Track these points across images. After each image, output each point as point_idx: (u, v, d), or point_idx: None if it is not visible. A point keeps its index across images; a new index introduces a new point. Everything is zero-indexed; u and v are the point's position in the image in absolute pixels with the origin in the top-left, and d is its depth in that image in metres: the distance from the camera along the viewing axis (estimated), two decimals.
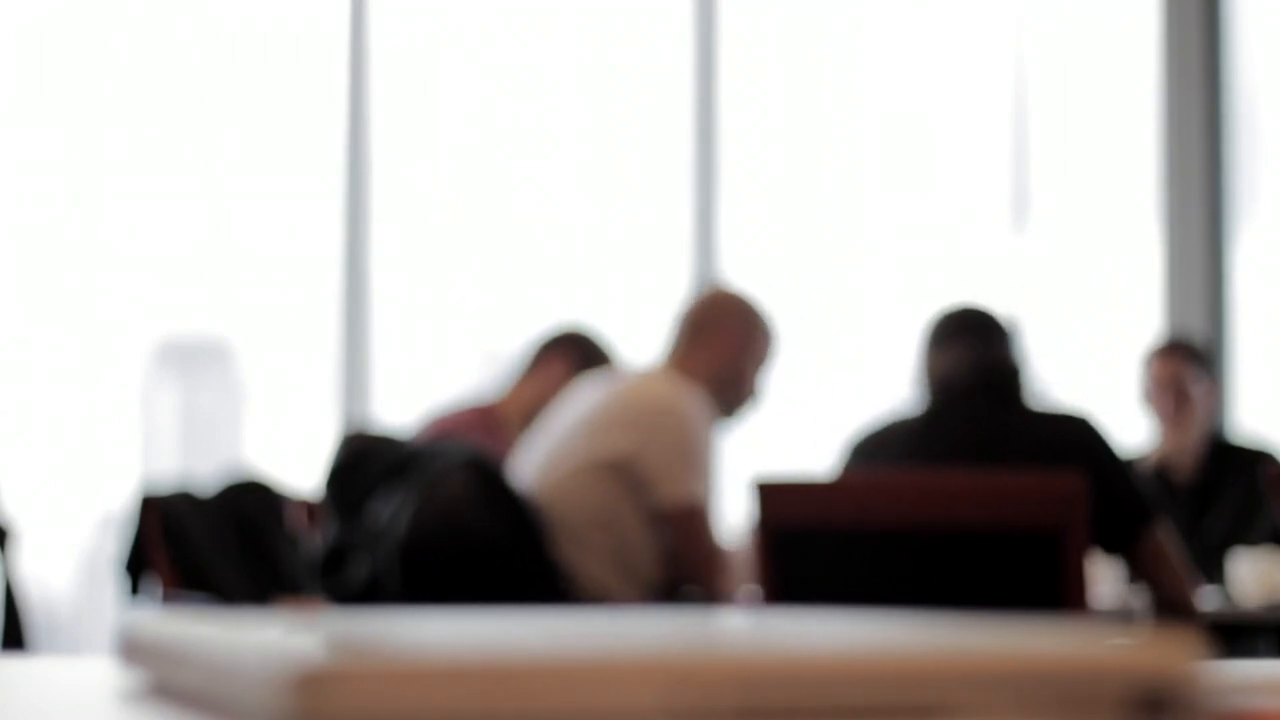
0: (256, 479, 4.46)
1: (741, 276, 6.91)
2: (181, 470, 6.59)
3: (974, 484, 3.35)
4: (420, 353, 6.95)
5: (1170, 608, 3.75)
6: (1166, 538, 3.72)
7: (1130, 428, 5.70)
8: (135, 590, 4.28)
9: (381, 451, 3.95)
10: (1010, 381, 3.73)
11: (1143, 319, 7.06)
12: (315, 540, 4.01)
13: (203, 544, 4.28)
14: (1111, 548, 3.66)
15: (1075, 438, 3.62)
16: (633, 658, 0.54)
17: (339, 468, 3.94)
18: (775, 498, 3.41)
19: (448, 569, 3.81)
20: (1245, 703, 0.68)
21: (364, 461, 3.92)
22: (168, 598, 4.23)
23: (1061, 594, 3.27)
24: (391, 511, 3.83)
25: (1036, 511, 3.28)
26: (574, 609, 3.91)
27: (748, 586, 3.94)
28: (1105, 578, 4.13)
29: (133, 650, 0.73)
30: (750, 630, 0.62)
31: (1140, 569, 3.70)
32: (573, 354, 4.67)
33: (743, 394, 4.19)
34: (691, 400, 4.02)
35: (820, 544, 3.39)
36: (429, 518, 3.79)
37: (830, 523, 3.37)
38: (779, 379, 4.33)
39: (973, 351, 3.74)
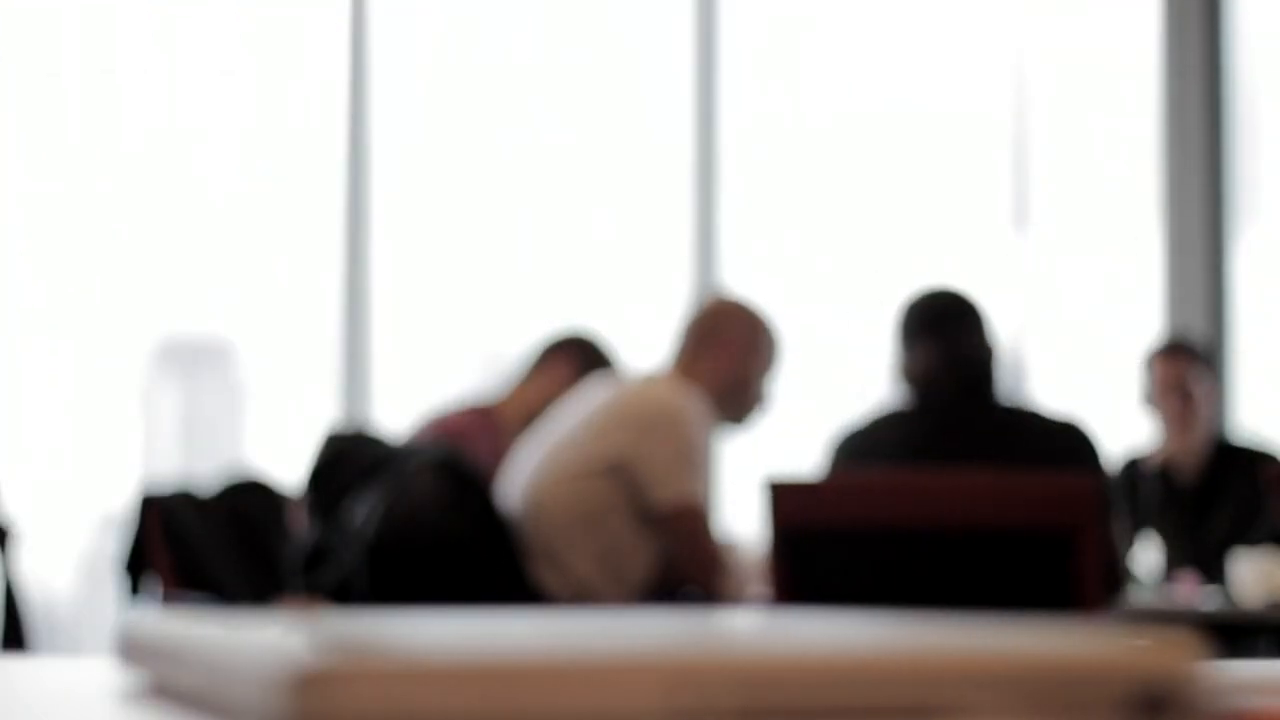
0: (256, 479, 4.46)
1: (742, 278, 6.91)
2: (181, 470, 6.59)
3: (986, 484, 3.35)
4: (420, 353, 6.95)
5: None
6: (1118, 539, 3.80)
7: (1131, 428, 5.70)
8: (135, 590, 4.28)
9: (360, 452, 3.96)
10: (984, 375, 3.74)
11: (1143, 319, 7.06)
12: (299, 540, 4.02)
13: (203, 544, 4.28)
14: None
15: (1067, 443, 3.62)
16: (633, 658, 0.54)
17: (319, 468, 3.95)
18: (787, 498, 3.40)
19: (414, 569, 3.81)
20: (1245, 703, 0.68)
21: (343, 461, 3.94)
22: (168, 598, 4.23)
23: (1073, 595, 3.27)
24: (365, 512, 3.84)
25: (1049, 512, 3.28)
26: (552, 609, 3.91)
27: (758, 587, 3.94)
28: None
29: (133, 650, 0.73)
30: (750, 630, 0.62)
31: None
32: (576, 358, 4.67)
33: (749, 401, 4.21)
34: (690, 402, 4.02)
35: (832, 544, 3.39)
36: (397, 518, 3.80)
37: (842, 523, 3.37)
38: (781, 382, 4.34)
39: (942, 347, 3.74)
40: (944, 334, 3.75)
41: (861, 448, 3.75)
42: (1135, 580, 4.90)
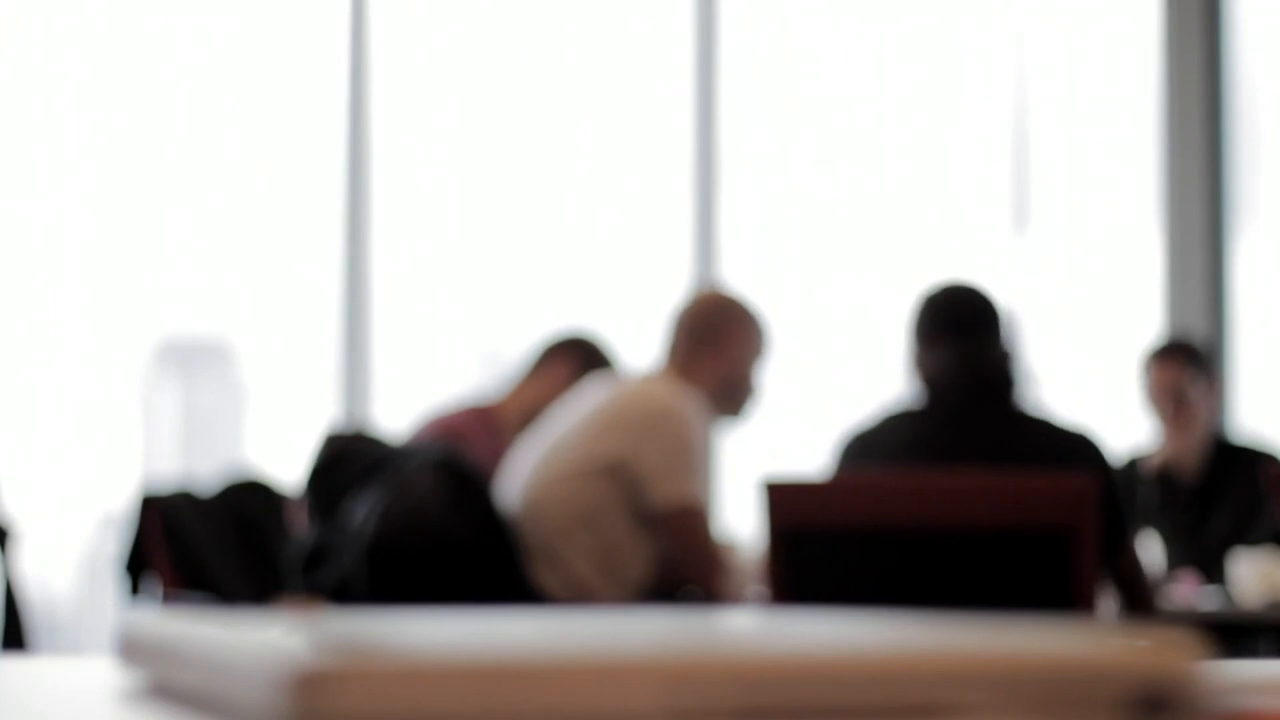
0: (256, 479, 4.46)
1: (741, 278, 6.91)
2: (181, 470, 6.59)
3: (985, 485, 3.34)
4: (420, 353, 6.95)
5: (1137, 611, 3.76)
6: (1137, 547, 3.76)
7: (1131, 428, 5.70)
8: (135, 590, 4.28)
9: (360, 452, 3.96)
10: (1003, 381, 3.71)
11: (1143, 319, 7.06)
12: (299, 540, 4.02)
13: (203, 544, 4.28)
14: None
15: (1078, 454, 3.61)
16: (633, 658, 0.54)
17: (319, 468, 3.95)
18: (785, 498, 3.40)
19: (414, 569, 3.81)
20: (1245, 703, 0.68)
21: (343, 461, 3.94)
22: (168, 598, 4.23)
23: (1071, 595, 3.27)
24: (364, 512, 3.84)
25: (1047, 513, 3.28)
26: (552, 609, 3.91)
27: (756, 587, 3.93)
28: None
29: (133, 650, 0.73)
30: (750, 630, 0.62)
31: (1114, 576, 3.70)
32: (576, 358, 4.67)
33: (745, 394, 4.21)
34: (688, 402, 4.02)
35: (830, 544, 3.39)
36: (396, 518, 3.80)
37: (840, 523, 3.37)
38: (781, 381, 4.34)
39: (962, 349, 3.70)
40: (963, 336, 3.71)
41: (870, 447, 3.74)
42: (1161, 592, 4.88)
